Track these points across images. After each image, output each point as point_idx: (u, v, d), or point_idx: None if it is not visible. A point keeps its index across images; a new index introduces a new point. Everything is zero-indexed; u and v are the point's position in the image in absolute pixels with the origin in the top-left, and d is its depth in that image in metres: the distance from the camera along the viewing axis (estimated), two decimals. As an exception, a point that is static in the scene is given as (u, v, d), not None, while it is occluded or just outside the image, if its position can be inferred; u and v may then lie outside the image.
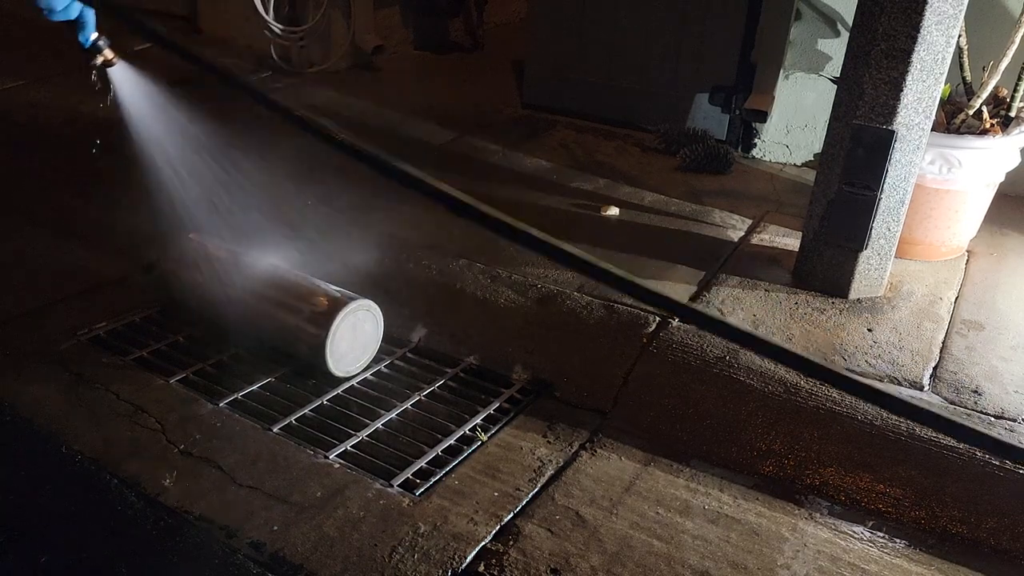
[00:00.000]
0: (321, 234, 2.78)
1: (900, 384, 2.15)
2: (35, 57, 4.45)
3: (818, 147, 3.39)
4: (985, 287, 2.63)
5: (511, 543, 1.79)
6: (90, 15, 1.71)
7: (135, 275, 2.72)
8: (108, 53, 2.10)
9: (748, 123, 3.67)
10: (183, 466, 1.96)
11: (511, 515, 1.87)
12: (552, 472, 2.01)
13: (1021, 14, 2.56)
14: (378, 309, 2.38)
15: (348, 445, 2.07)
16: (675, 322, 2.40)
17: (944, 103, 2.67)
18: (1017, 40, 2.55)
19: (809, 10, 3.36)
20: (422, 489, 1.93)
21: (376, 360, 2.40)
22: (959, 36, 2.49)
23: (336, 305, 2.28)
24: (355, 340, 2.33)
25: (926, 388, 2.14)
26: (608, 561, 1.75)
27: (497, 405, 2.26)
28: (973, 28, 2.67)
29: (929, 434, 2.00)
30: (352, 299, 2.31)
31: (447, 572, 1.71)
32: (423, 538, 1.79)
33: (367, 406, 2.23)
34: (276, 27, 4.51)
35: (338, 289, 2.37)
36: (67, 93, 3.99)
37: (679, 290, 2.56)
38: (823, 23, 3.36)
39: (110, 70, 2.14)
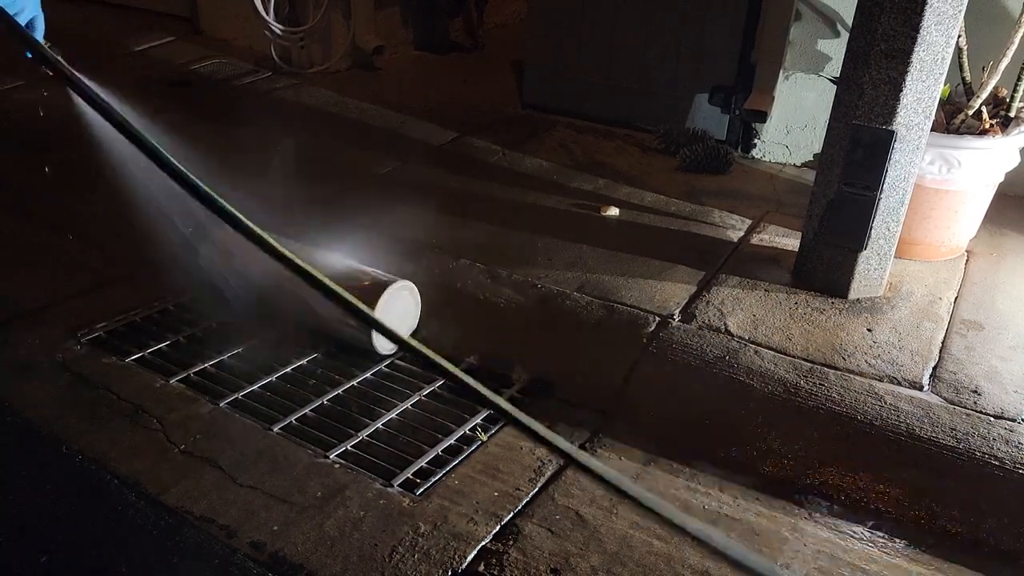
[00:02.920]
0: (320, 236, 2.78)
1: (900, 384, 2.15)
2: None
3: (818, 147, 3.39)
4: (984, 287, 2.63)
5: (511, 543, 1.79)
6: (38, 23, 1.65)
7: (141, 272, 2.73)
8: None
9: (748, 123, 3.67)
10: (183, 466, 1.96)
11: (511, 515, 1.87)
12: (552, 472, 2.01)
13: (1021, 14, 2.56)
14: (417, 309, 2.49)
15: (348, 445, 2.08)
16: (675, 322, 2.40)
17: (944, 103, 2.67)
18: (1017, 40, 2.55)
19: (809, 10, 3.36)
20: (422, 489, 1.94)
21: (378, 360, 2.41)
22: (959, 36, 2.49)
23: (390, 280, 2.39)
24: (396, 320, 2.41)
25: (926, 388, 2.14)
26: (608, 561, 1.75)
27: (497, 405, 2.26)
28: (973, 28, 2.67)
29: (929, 434, 2.00)
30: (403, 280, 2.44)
31: (447, 572, 1.71)
32: (423, 538, 1.79)
33: (367, 406, 2.23)
34: (276, 27, 4.51)
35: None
36: (65, 94, 3.99)
37: (679, 290, 2.56)
38: (823, 23, 3.36)
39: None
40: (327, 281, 1.03)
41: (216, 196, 1.09)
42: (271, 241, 1.07)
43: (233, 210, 1.08)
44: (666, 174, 3.49)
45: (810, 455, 2.05)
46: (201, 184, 1.10)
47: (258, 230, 1.07)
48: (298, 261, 1.04)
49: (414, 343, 1.03)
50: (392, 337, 1.05)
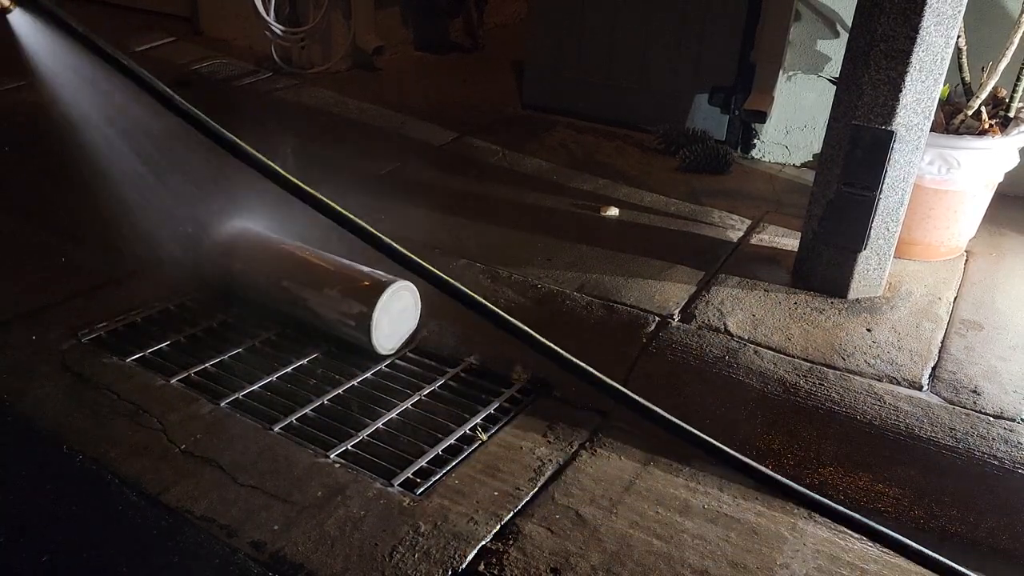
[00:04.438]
0: (320, 236, 2.78)
1: (899, 384, 2.16)
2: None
3: (817, 147, 3.39)
4: (984, 287, 2.64)
5: (511, 542, 1.79)
6: None
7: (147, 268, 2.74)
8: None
9: (747, 123, 3.68)
10: (184, 466, 1.96)
11: (511, 514, 1.87)
12: (552, 471, 2.01)
13: (1020, 14, 2.57)
14: (417, 309, 2.49)
15: (349, 444, 2.08)
16: (675, 322, 2.40)
17: (943, 104, 2.67)
18: (1016, 40, 2.55)
19: (809, 10, 3.36)
20: (423, 488, 1.94)
21: (378, 360, 2.41)
22: (958, 37, 2.49)
23: (390, 280, 2.39)
24: (395, 320, 2.41)
25: (925, 388, 2.14)
26: (608, 560, 1.75)
27: (497, 405, 2.26)
28: (972, 28, 2.67)
29: (928, 434, 2.00)
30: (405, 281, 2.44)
31: (447, 571, 1.72)
32: (423, 537, 1.79)
33: (368, 405, 2.23)
34: (277, 28, 4.52)
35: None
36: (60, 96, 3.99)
37: (678, 290, 2.56)
38: (823, 23, 3.37)
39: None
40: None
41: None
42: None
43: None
44: (666, 174, 3.49)
45: (809, 455, 2.05)
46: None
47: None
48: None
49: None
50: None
